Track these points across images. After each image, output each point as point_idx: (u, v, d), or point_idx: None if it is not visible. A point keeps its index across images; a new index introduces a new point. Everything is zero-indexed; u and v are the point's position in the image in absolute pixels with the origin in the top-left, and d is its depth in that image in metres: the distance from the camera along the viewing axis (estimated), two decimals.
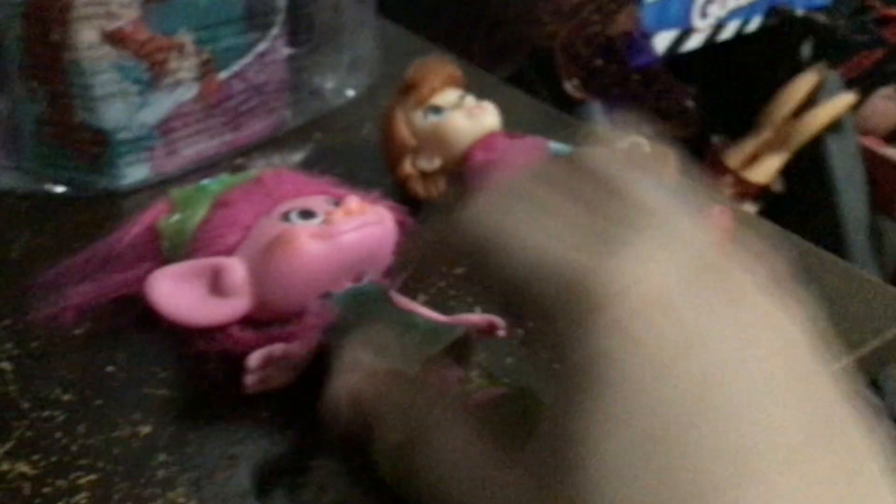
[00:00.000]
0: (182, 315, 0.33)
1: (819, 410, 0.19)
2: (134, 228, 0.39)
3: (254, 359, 0.32)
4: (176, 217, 0.38)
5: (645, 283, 0.19)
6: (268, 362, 0.32)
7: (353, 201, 0.35)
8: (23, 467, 0.33)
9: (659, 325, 0.19)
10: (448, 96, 0.47)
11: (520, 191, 0.23)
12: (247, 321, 0.34)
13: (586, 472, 0.18)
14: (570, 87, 0.88)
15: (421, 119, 0.47)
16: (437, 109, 0.46)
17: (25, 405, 0.36)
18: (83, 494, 0.32)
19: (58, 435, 0.35)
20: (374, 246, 0.35)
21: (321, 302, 0.34)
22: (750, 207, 1.16)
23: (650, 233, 0.20)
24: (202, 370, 0.38)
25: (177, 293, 0.33)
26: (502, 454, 0.22)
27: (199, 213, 0.37)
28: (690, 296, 0.19)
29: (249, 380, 0.32)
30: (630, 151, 0.46)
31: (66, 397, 0.36)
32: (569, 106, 0.87)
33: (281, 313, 0.34)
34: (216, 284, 0.34)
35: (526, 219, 0.22)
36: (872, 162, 1.20)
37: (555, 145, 0.45)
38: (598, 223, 0.21)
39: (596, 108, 0.87)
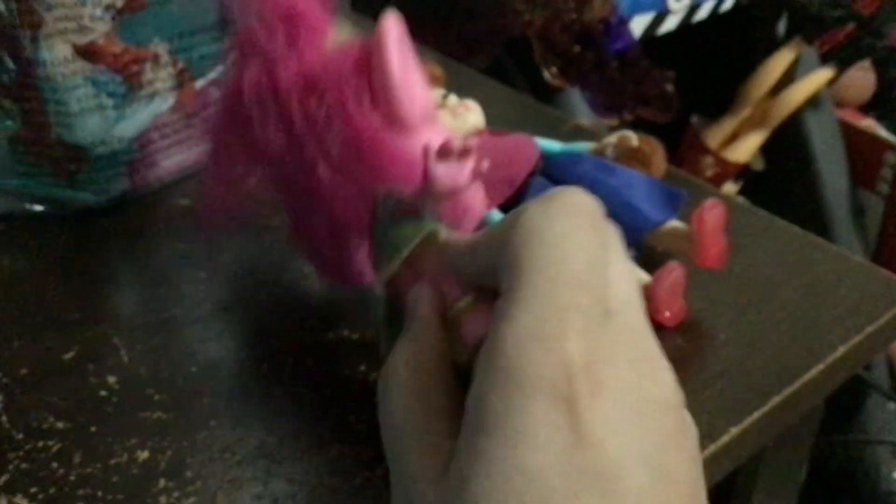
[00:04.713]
0: None
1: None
2: None
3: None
4: None
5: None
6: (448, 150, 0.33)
7: None
8: (21, 501, 0.32)
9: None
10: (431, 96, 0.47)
11: None
12: None
13: None
14: (549, 75, 0.87)
15: None
16: None
17: (19, 436, 0.35)
18: None
19: (54, 465, 0.34)
20: None
21: None
22: (731, 187, 1.16)
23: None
24: (198, 391, 0.37)
25: None
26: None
27: None
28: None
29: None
30: (618, 145, 0.46)
31: (60, 425, 0.36)
32: (548, 95, 0.86)
33: None
34: None
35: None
36: (850, 135, 1.20)
37: (542, 142, 0.44)
38: None
39: (576, 96, 0.87)
